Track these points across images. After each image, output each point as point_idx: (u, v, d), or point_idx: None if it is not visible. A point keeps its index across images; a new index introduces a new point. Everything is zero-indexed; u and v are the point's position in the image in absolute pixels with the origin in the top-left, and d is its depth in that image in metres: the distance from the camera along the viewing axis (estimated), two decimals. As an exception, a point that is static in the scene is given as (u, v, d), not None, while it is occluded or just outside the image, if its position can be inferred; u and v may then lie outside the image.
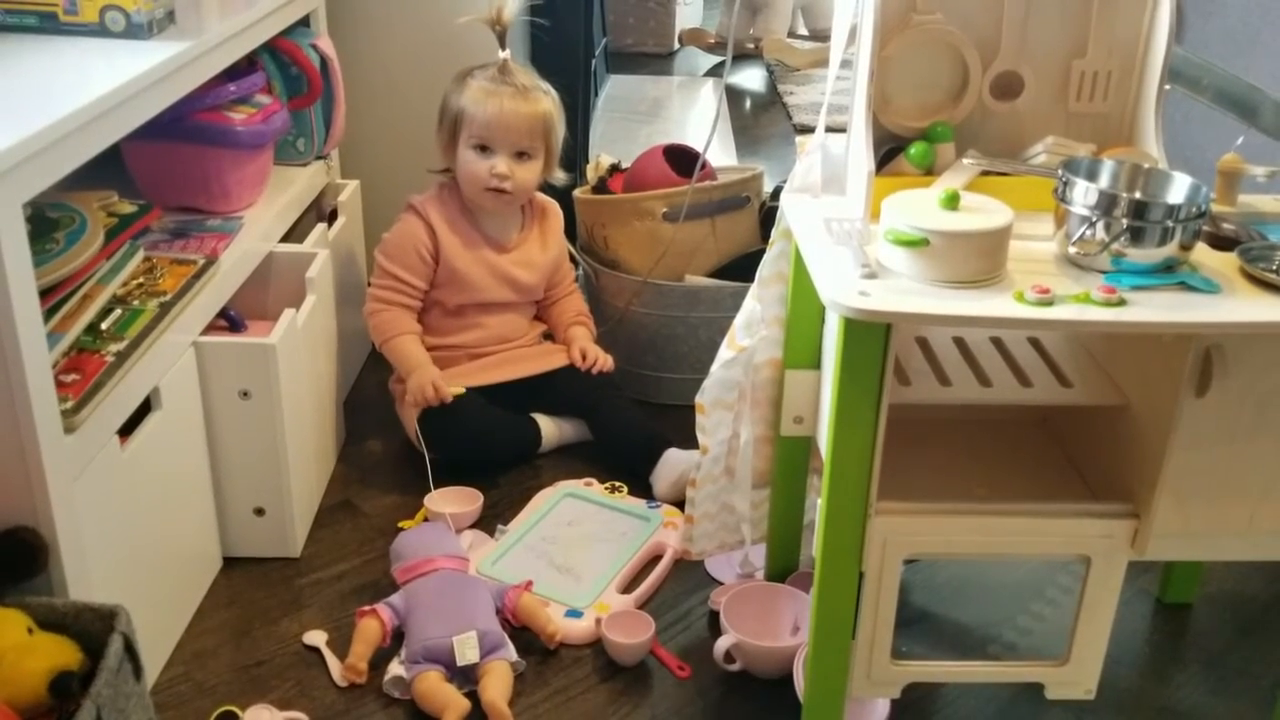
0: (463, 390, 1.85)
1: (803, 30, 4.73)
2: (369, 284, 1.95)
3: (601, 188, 2.16)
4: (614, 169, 2.19)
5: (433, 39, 2.19)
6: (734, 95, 4.12)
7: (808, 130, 3.64)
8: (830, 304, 1.17)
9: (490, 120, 1.85)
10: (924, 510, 1.28)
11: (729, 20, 4.48)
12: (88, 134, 1.23)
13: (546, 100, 1.89)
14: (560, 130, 1.93)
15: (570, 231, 2.15)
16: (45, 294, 1.30)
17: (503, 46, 1.90)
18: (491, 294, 1.94)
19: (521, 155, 1.88)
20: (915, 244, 1.18)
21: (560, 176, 2.00)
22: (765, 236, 2.11)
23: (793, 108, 3.84)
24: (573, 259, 2.14)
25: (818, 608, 1.31)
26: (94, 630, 1.20)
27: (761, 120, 3.88)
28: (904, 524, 1.27)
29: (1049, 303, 1.15)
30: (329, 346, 1.89)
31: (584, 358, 1.97)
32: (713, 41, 4.53)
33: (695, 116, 3.90)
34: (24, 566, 1.21)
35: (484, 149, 1.87)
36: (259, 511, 1.67)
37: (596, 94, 3.78)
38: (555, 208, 2.02)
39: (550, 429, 1.96)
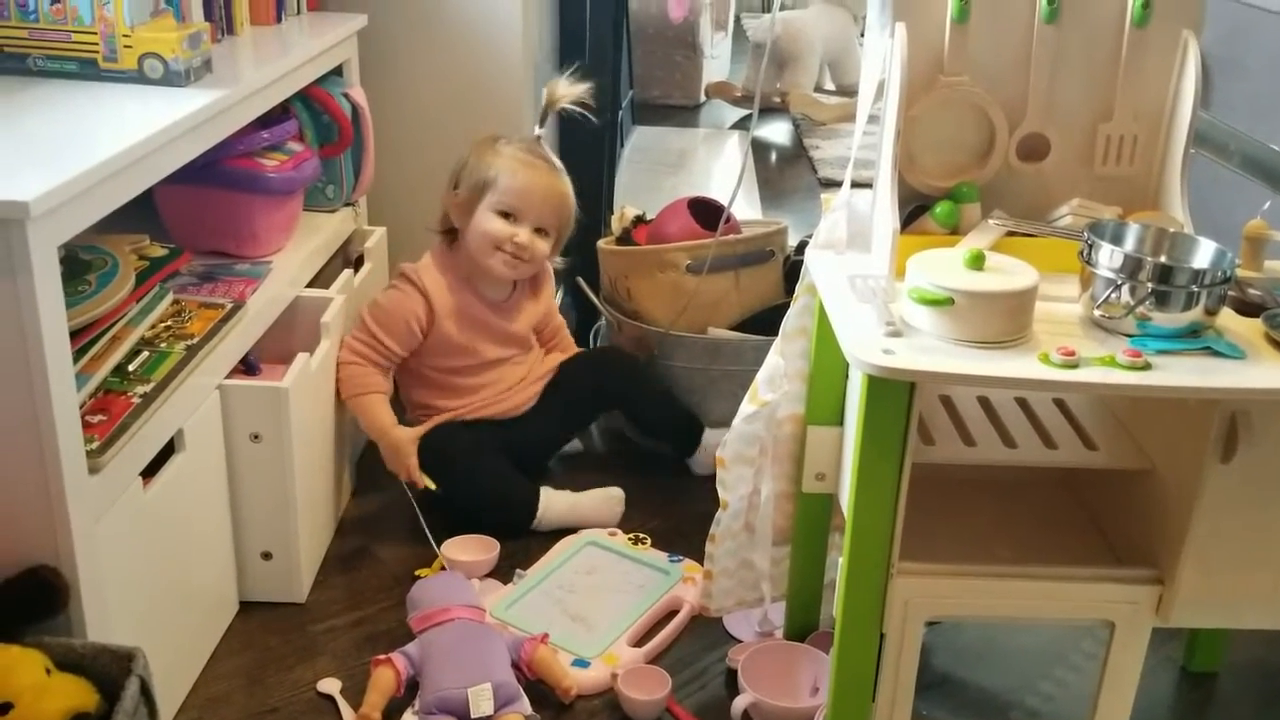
0: (433, 486, 1.85)
1: (829, 85, 4.77)
2: (350, 332, 1.91)
3: (626, 239, 2.17)
4: (638, 220, 2.20)
5: (461, 92, 2.22)
6: (759, 148, 4.15)
7: (833, 185, 3.69)
8: (854, 361, 1.17)
9: (523, 190, 1.86)
10: (947, 571, 1.27)
11: (755, 74, 4.52)
12: (123, 179, 1.25)
13: (569, 184, 1.91)
14: (573, 219, 1.95)
15: (593, 281, 2.16)
16: (75, 335, 1.31)
17: (542, 124, 1.93)
18: (489, 354, 1.95)
19: (540, 231, 1.89)
20: (940, 303, 1.19)
21: (558, 263, 2.03)
22: (789, 290, 2.11)
23: (818, 162, 3.86)
24: (595, 310, 2.16)
25: (837, 669, 1.29)
26: (111, 672, 1.20)
27: (786, 174, 3.90)
28: (926, 585, 1.26)
29: (1074, 365, 1.15)
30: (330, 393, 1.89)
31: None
32: (739, 95, 4.57)
33: (720, 169, 3.93)
34: (44, 606, 1.21)
35: (508, 216, 1.87)
36: (266, 555, 1.67)
37: (622, 145, 3.82)
38: (547, 266, 2.03)
39: (554, 507, 1.88)
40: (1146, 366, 1.15)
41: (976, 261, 1.22)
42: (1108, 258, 1.21)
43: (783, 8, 5.03)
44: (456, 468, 1.85)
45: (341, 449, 1.92)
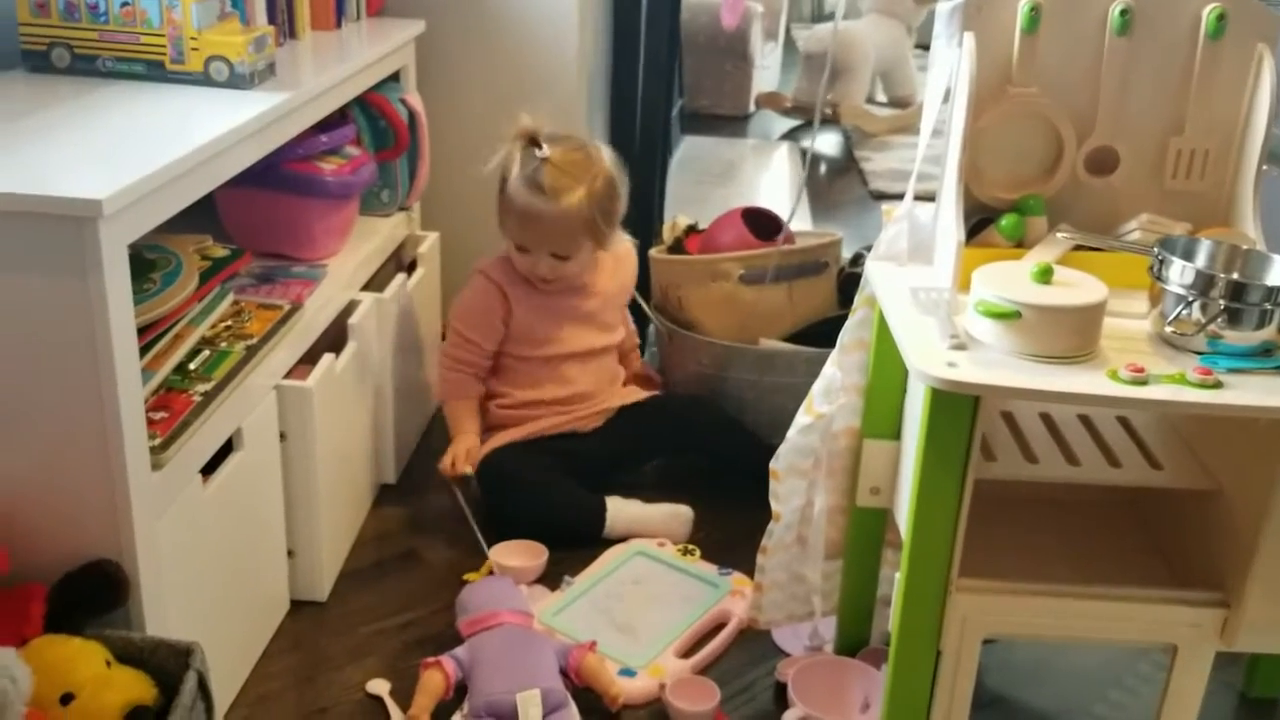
0: (470, 471, 1.87)
1: (881, 97, 4.74)
2: (443, 337, 1.96)
3: (678, 248, 2.17)
4: (690, 229, 2.20)
5: (515, 98, 2.22)
6: (811, 160, 4.13)
7: (884, 197, 3.66)
8: (917, 374, 1.16)
9: (523, 228, 1.87)
10: (1007, 589, 1.25)
11: (807, 84, 4.51)
12: (191, 180, 1.26)
13: (579, 193, 1.83)
14: (610, 205, 1.90)
15: (645, 290, 2.15)
16: (139, 333, 1.32)
17: (539, 147, 1.86)
18: (573, 342, 1.94)
19: (558, 256, 1.88)
20: (1006, 316, 1.17)
21: (624, 239, 2.01)
22: (842, 303, 2.10)
23: (869, 174, 3.84)
24: (646, 317, 2.15)
25: (892, 686, 1.28)
26: (169, 666, 1.21)
27: (836, 186, 3.88)
28: (985, 603, 1.25)
29: (1143, 382, 1.13)
30: (373, 393, 1.90)
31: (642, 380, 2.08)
32: (789, 106, 4.55)
33: (769, 180, 3.92)
34: (105, 600, 1.22)
35: (523, 249, 1.89)
36: (289, 554, 1.67)
37: (670, 155, 3.81)
38: (629, 247, 2.03)
39: (620, 516, 1.86)
40: (1218, 385, 1.13)
41: (1045, 275, 1.20)
42: (1179, 274, 1.19)
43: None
44: (521, 486, 1.85)
45: (373, 451, 1.92)
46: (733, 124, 4.51)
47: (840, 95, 4.34)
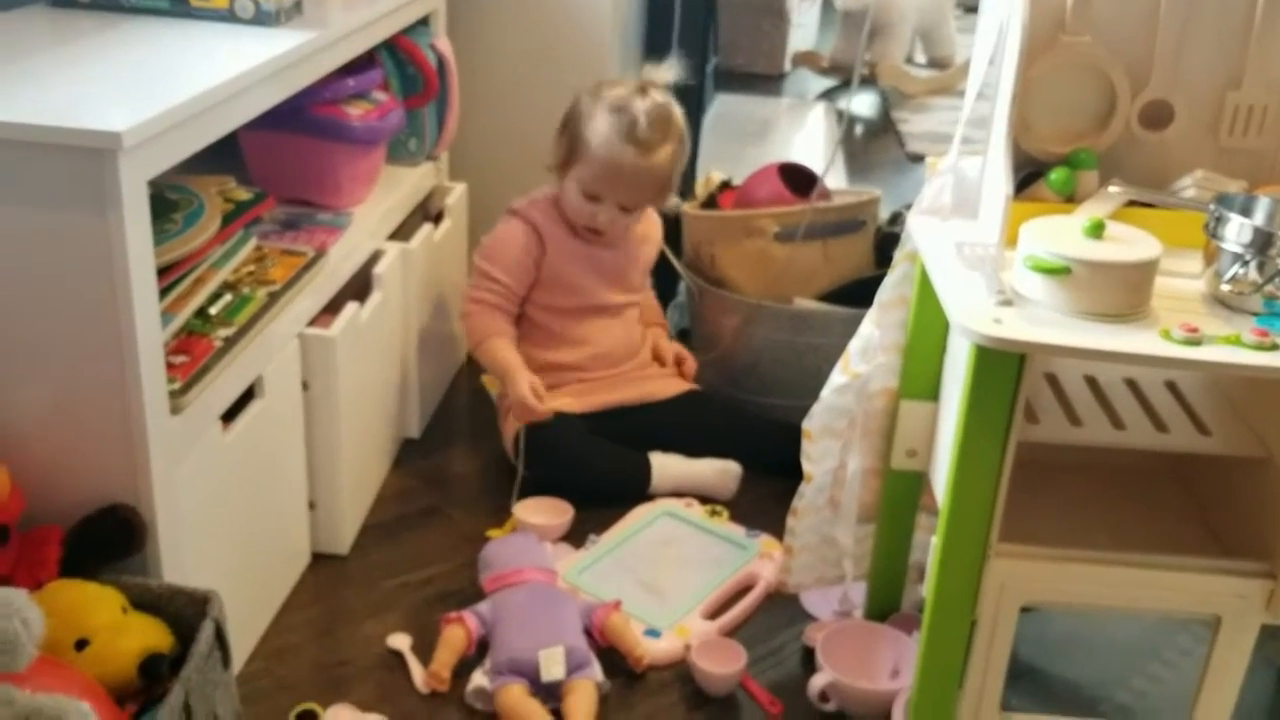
0: (570, 402, 1.79)
1: (920, 58, 4.65)
2: (469, 286, 1.91)
3: (711, 204, 2.12)
4: (725, 185, 2.15)
5: (546, 46, 2.18)
6: (847, 121, 4.06)
7: (921, 159, 3.59)
8: (962, 330, 1.11)
9: (608, 176, 1.81)
10: (1047, 555, 1.21)
11: (845, 43, 4.42)
12: (213, 116, 1.23)
13: (668, 150, 1.81)
14: (683, 163, 1.89)
15: (676, 247, 2.11)
16: (160, 274, 1.29)
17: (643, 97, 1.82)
18: (599, 295, 1.90)
19: (624, 208, 1.84)
20: (1056, 272, 1.13)
21: (674, 201, 1.97)
22: (879, 262, 2.05)
23: (906, 136, 3.76)
24: (677, 274, 2.11)
25: (925, 653, 1.24)
26: (186, 614, 1.19)
27: (872, 147, 3.81)
28: (1024, 569, 1.21)
29: (1197, 342, 1.09)
30: (398, 345, 1.86)
31: (677, 364, 1.99)
32: (825, 65, 4.47)
33: (803, 140, 3.85)
34: (122, 545, 1.20)
35: (592, 198, 1.83)
36: (311, 505, 1.64)
37: (704, 112, 3.75)
38: (652, 211, 1.98)
39: (665, 471, 1.83)
40: (1275, 347, 1.08)
41: (1096, 230, 1.15)
42: (1235, 232, 1.14)
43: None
44: (561, 457, 1.80)
45: (396, 404, 1.89)
46: (768, 83, 4.42)
47: (878, 55, 4.25)
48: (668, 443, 1.87)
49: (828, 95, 4.33)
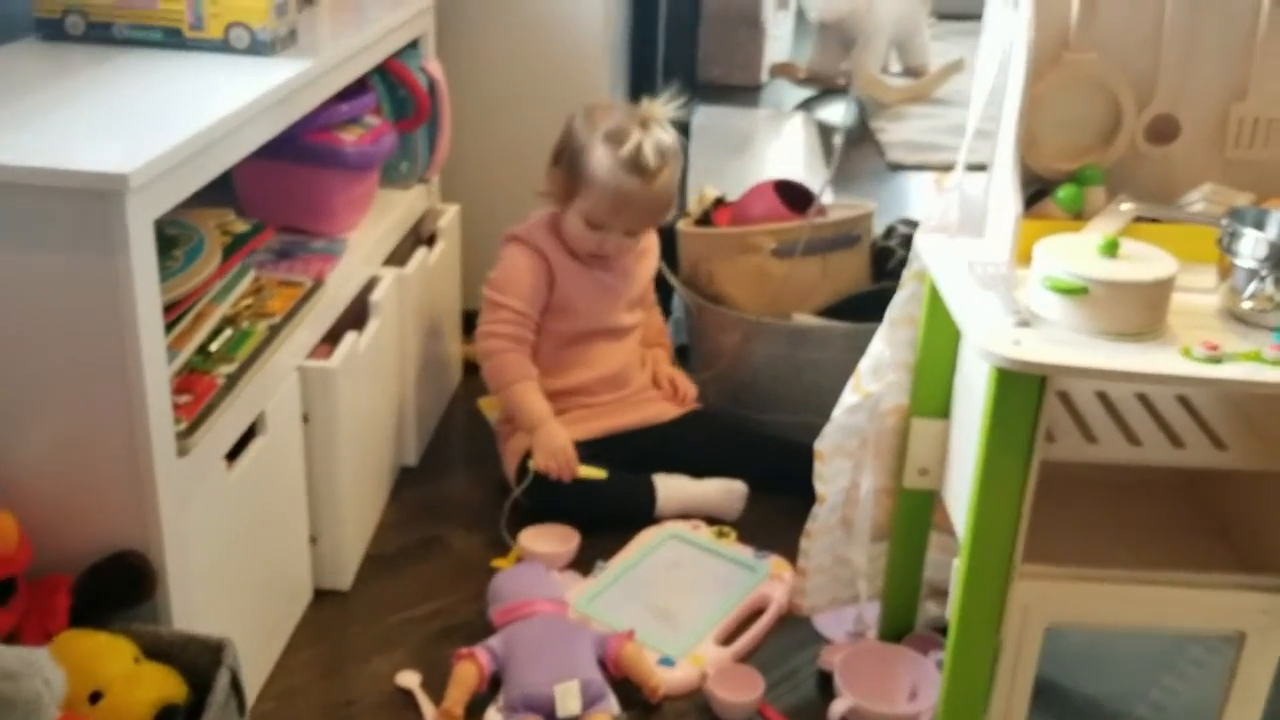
0: (602, 474, 1.76)
1: (895, 66, 4.66)
2: (479, 322, 1.85)
3: (706, 221, 2.11)
4: (719, 202, 2.14)
5: (538, 67, 2.17)
6: (824, 131, 4.06)
7: (901, 168, 3.60)
8: (983, 353, 1.10)
9: (615, 207, 1.78)
10: (1071, 576, 1.20)
11: (821, 54, 4.43)
12: (217, 151, 1.21)
13: (668, 173, 1.80)
14: (677, 188, 1.88)
15: (672, 263, 2.10)
16: (163, 312, 1.27)
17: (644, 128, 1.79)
18: (603, 318, 1.87)
19: (631, 233, 1.83)
20: (1074, 292, 1.12)
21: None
22: (875, 276, 2.05)
23: (886, 145, 3.76)
24: (672, 290, 2.09)
25: (951, 676, 1.23)
26: (199, 663, 1.17)
27: (852, 157, 3.81)
28: (1049, 590, 1.20)
29: (1219, 360, 1.08)
30: (396, 372, 1.84)
31: (673, 390, 1.95)
32: (802, 76, 4.48)
33: (783, 151, 3.85)
34: (132, 592, 1.17)
35: (596, 226, 1.81)
36: (312, 540, 1.61)
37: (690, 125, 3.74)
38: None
39: (670, 494, 1.81)
40: (1296, 363, 1.08)
41: (1111, 248, 1.15)
42: (1251, 246, 1.14)
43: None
44: (566, 486, 1.76)
45: (394, 432, 1.87)
46: (746, 94, 4.42)
47: (854, 65, 4.26)
48: (671, 464, 1.85)
49: (805, 105, 4.33)
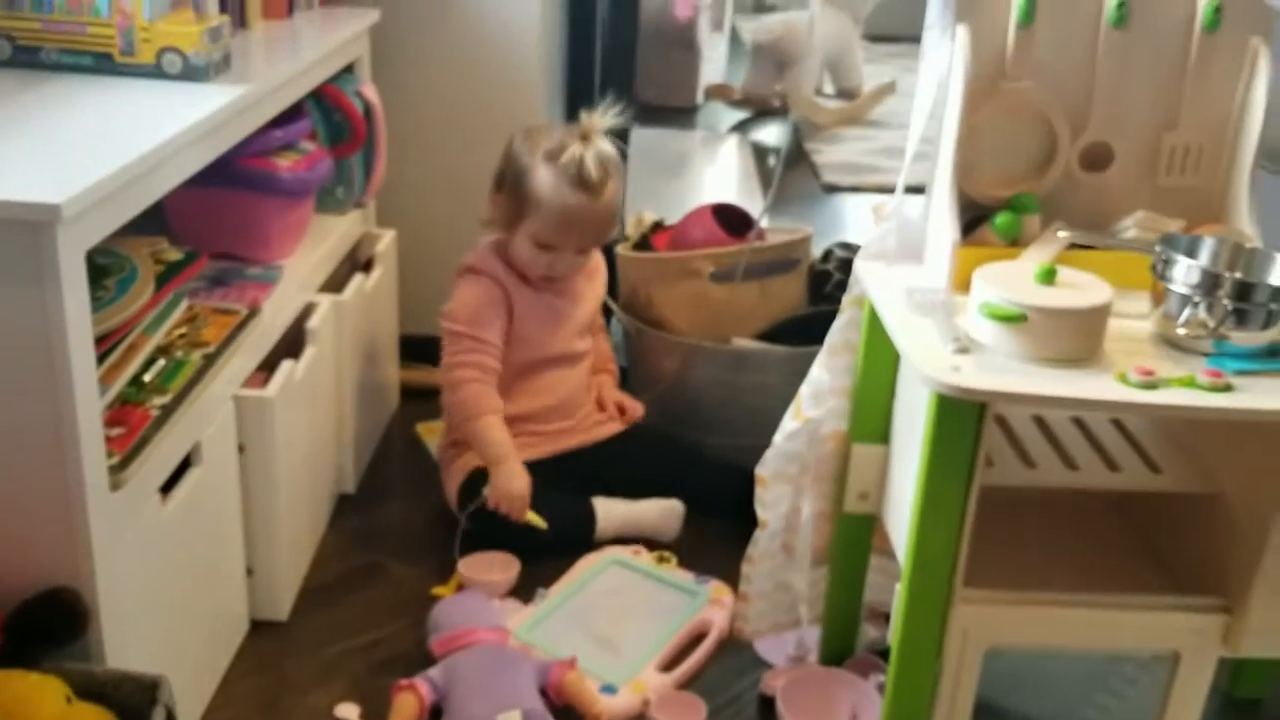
0: (543, 525, 1.74)
1: (828, 88, 4.72)
2: (443, 354, 1.80)
3: (644, 245, 2.11)
4: (657, 226, 2.14)
5: (475, 91, 2.15)
6: (760, 153, 4.09)
7: (836, 189, 3.63)
8: (923, 379, 1.11)
9: (559, 226, 1.76)
10: (1010, 600, 1.22)
11: (756, 76, 4.47)
12: (151, 180, 1.18)
13: (613, 186, 1.79)
14: (617, 221, 1.88)
15: (611, 287, 2.09)
16: (95, 344, 1.24)
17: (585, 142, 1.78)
18: (555, 346, 1.86)
19: (583, 251, 1.82)
20: (1012, 319, 1.14)
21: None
22: (813, 300, 2.06)
23: (821, 167, 3.80)
24: (611, 314, 2.09)
25: (892, 700, 1.24)
26: (134, 701, 1.14)
27: (787, 179, 3.84)
28: (988, 614, 1.21)
29: (1154, 385, 1.11)
30: (333, 399, 1.82)
31: (619, 413, 1.95)
32: (737, 98, 4.51)
33: (719, 173, 3.87)
34: (64, 630, 1.14)
35: (546, 247, 1.79)
36: (248, 571, 1.58)
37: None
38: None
39: (610, 516, 1.81)
40: (1228, 388, 1.11)
41: (1048, 276, 1.17)
42: (1183, 273, 1.17)
43: (777, 9, 5.00)
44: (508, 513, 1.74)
45: (332, 460, 1.85)
46: (681, 115, 4.45)
47: (789, 87, 4.31)
48: (610, 482, 1.85)
49: (740, 127, 4.36)
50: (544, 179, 1.76)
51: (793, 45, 4.26)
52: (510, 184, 1.80)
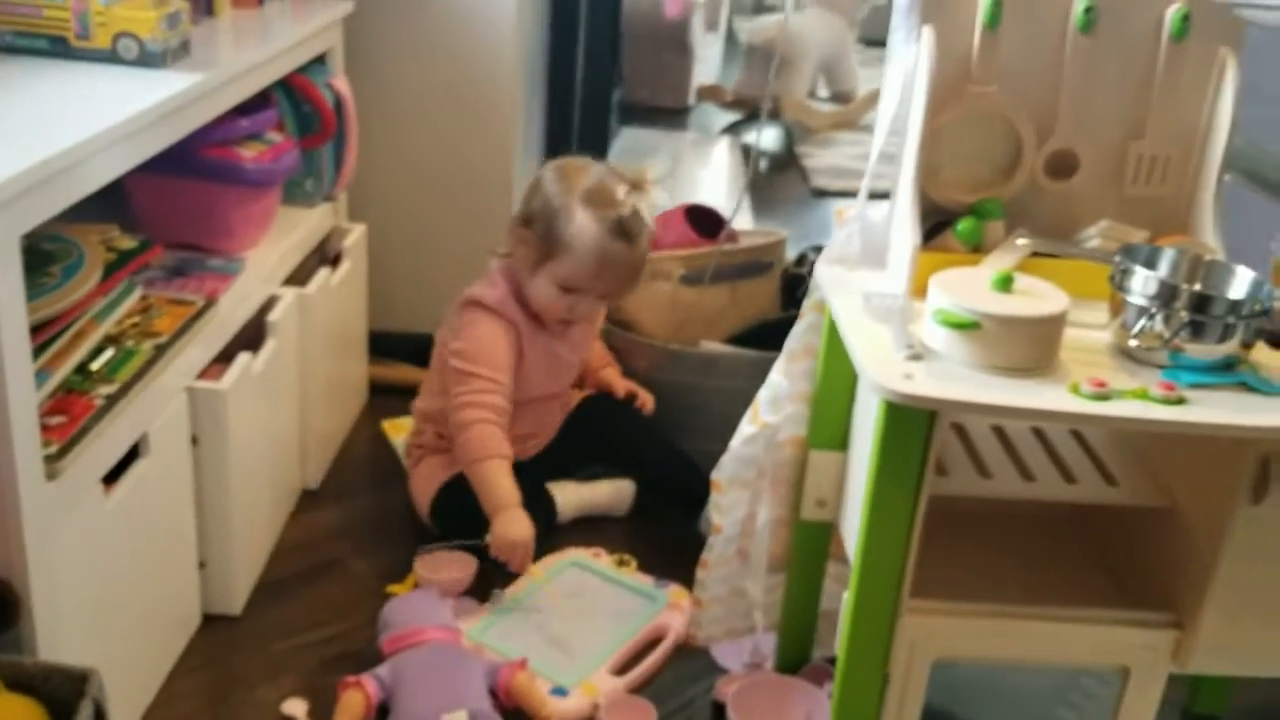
0: (538, 574, 1.70)
1: (823, 92, 4.70)
2: (453, 393, 1.71)
3: (617, 244, 2.09)
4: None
5: (449, 84, 2.13)
6: (749, 155, 4.07)
7: (826, 194, 3.61)
8: (873, 386, 1.10)
9: (593, 272, 1.70)
10: (958, 611, 1.20)
11: (749, 77, 4.45)
12: (93, 166, 1.16)
13: (648, 236, 1.74)
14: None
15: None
16: (36, 330, 1.22)
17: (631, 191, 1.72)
18: (548, 388, 1.83)
19: (605, 297, 1.78)
20: (966, 326, 1.12)
21: None
22: (785, 304, 2.04)
23: (811, 171, 3.79)
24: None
25: (839, 710, 1.22)
26: (63, 694, 1.12)
27: (777, 182, 3.83)
28: (936, 625, 1.20)
29: (1106, 397, 1.09)
30: (295, 393, 1.79)
31: (630, 395, 1.94)
32: (730, 99, 4.49)
33: (709, 175, 3.85)
34: (-8, 622, 1.12)
35: (571, 290, 1.73)
36: (201, 565, 1.56)
37: (608, 147, 3.73)
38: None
39: (568, 500, 1.83)
40: (1181, 401, 1.09)
41: (1005, 283, 1.15)
42: (1141, 284, 1.15)
43: (776, 10, 4.98)
44: (477, 516, 1.67)
45: (294, 455, 1.83)
46: (672, 116, 4.43)
47: (782, 89, 4.29)
48: (566, 453, 1.88)
49: (732, 129, 4.35)
50: (582, 223, 1.68)
51: (787, 47, 4.24)
52: (541, 224, 1.71)
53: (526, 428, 1.83)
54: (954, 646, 1.22)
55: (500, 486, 1.66)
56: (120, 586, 1.34)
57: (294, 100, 1.84)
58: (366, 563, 1.75)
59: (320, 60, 1.90)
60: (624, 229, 1.69)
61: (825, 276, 1.32)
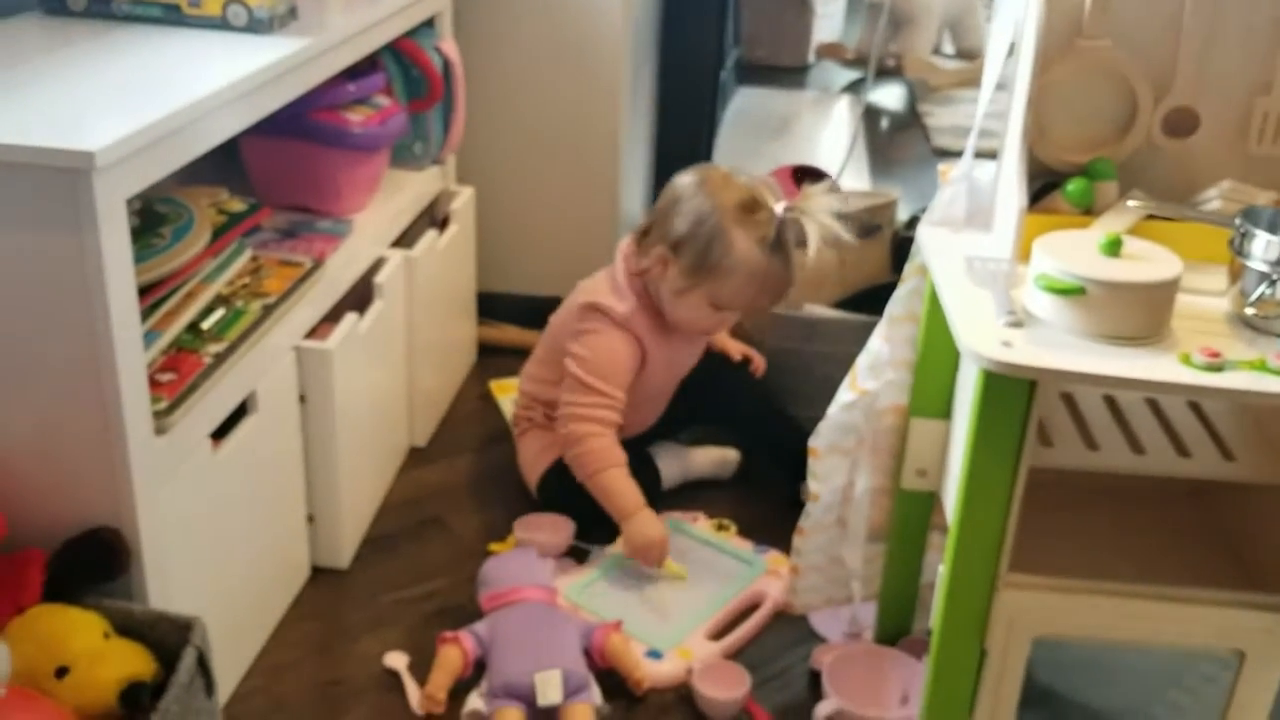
0: (684, 576, 1.65)
1: (948, 48, 4.56)
2: (565, 400, 1.69)
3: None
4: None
5: (557, 46, 2.13)
6: (870, 114, 3.98)
7: (947, 154, 3.52)
8: (968, 353, 1.06)
9: (750, 291, 1.66)
10: (1060, 587, 1.16)
11: (870, 35, 4.34)
12: (199, 130, 1.19)
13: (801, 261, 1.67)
14: None
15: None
16: (147, 290, 1.27)
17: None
18: (662, 386, 1.82)
19: (754, 308, 1.75)
20: (1070, 292, 1.07)
21: None
22: (896, 268, 1.99)
23: (933, 130, 3.69)
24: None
25: (932, 685, 1.20)
26: (170, 640, 1.16)
27: (898, 142, 3.74)
28: (1036, 600, 1.16)
29: (1219, 368, 1.03)
30: (402, 354, 1.82)
31: (745, 358, 1.94)
32: (850, 57, 4.40)
33: (827, 135, 3.79)
34: (104, 569, 1.17)
35: (722, 307, 1.69)
36: (309, 519, 1.61)
37: (724, 107, 3.69)
38: None
39: (671, 471, 1.83)
40: (1303, 373, 1.03)
41: (1113, 247, 1.10)
42: (1262, 248, 1.08)
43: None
44: (584, 493, 1.68)
45: (401, 414, 1.86)
46: (792, 75, 4.36)
47: (905, 46, 4.18)
48: (672, 415, 1.87)
49: (853, 88, 4.26)
50: (742, 247, 1.62)
51: (910, 3, 4.12)
52: (692, 250, 1.64)
53: (639, 415, 1.81)
54: (1056, 623, 1.18)
55: (624, 494, 1.65)
56: (230, 539, 1.38)
57: (402, 64, 1.87)
58: (468, 521, 1.78)
59: (429, 24, 1.91)
60: (782, 244, 1.64)
61: (927, 239, 1.28)
